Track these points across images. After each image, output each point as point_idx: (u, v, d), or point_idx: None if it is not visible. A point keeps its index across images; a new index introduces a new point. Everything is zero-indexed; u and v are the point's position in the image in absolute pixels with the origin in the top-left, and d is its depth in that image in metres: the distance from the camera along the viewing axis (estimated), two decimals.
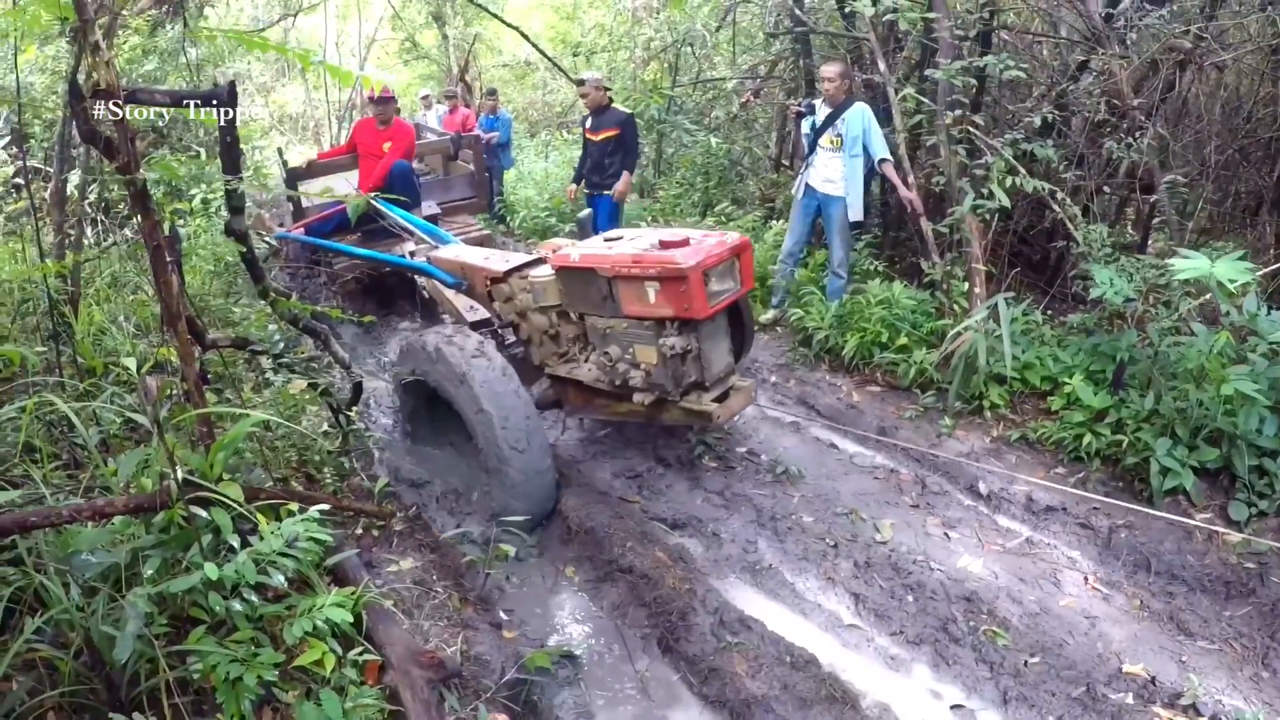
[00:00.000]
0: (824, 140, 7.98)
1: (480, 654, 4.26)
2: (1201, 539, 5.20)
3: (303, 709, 3.24)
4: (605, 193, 9.51)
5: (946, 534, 5.42)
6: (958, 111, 7.15)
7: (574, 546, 5.33)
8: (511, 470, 5.00)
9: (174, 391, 4.17)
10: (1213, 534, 5.20)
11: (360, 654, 3.60)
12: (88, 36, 3.14)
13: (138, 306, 6.47)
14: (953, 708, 4.14)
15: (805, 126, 8.26)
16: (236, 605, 3.31)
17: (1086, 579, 4.99)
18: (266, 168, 13.11)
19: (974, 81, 7.97)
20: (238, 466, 4.48)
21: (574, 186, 10.33)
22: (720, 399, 5.35)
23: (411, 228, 7.99)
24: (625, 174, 9.40)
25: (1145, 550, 5.15)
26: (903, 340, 7.41)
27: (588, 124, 9.65)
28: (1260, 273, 5.81)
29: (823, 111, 8.02)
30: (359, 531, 5.00)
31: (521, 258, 6.15)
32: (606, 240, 5.33)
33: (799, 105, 8.29)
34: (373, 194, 7.98)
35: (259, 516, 3.55)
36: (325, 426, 5.87)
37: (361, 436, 5.91)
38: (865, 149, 7.81)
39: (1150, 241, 8.01)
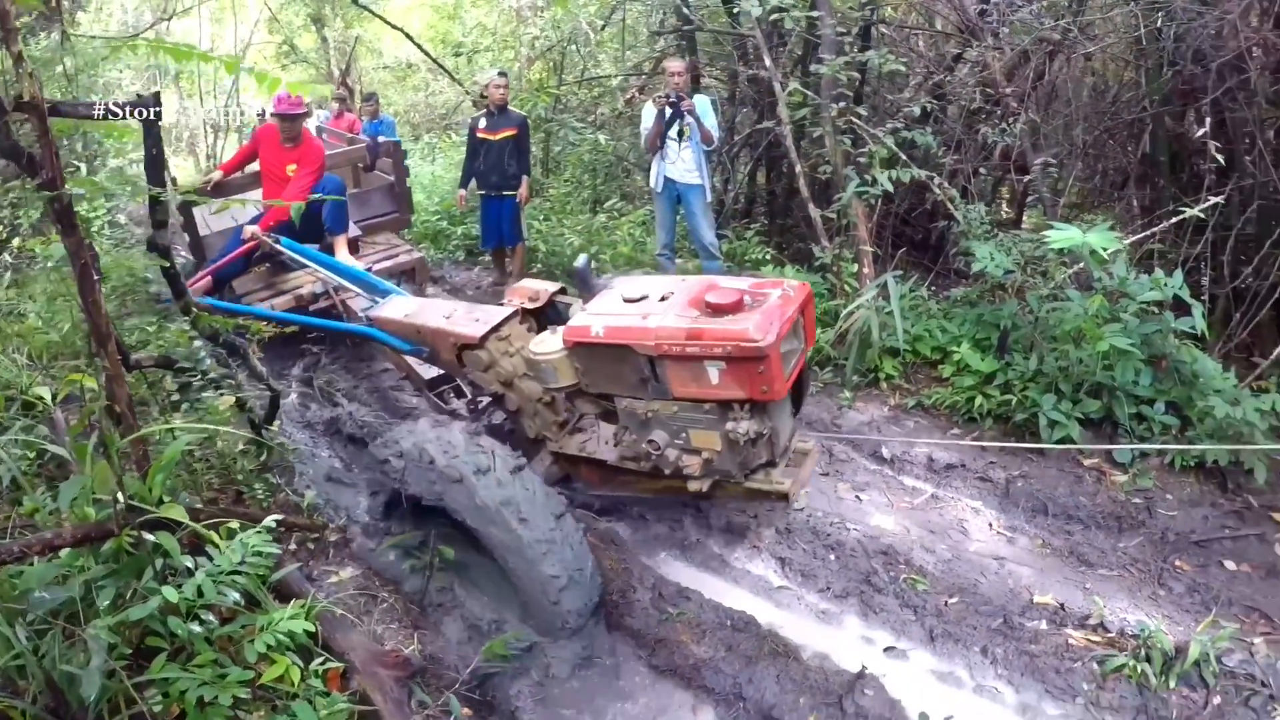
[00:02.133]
0: (672, 132, 8.35)
1: (436, 651, 4.38)
2: (1091, 482, 5.72)
3: None
4: (506, 194, 9.39)
5: (858, 496, 5.78)
6: (842, 103, 7.58)
7: None
8: (555, 591, 4.17)
9: (95, 417, 3.85)
10: (1101, 476, 5.73)
11: (322, 664, 3.58)
12: (10, 46, 2.97)
13: (28, 334, 5.99)
14: (885, 650, 4.49)
15: (649, 119, 8.55)
16: (196, 628, 3.28)
17: (991, 525, 5.43)
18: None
19: (856, 75, 8.42)
20: (174, 489, 4.28)
21: (463, 191, 9.94)
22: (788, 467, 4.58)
23: (337, 278, 6.78)
24: (525, 178, 9.40)
25: (1041, 496, 5.63)
26: None
27: (482, 124, 9.44)
28: (1128, 241, 6.35)
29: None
30: (294, 547, 4.96)
31: (492, 314, 5.12)
32: (628, 301, 4.23)
33: (667, 98, 8.35)
34: (272, 228, 7.23)
35: (213, 535, 3.50)
36: (240, 445, 5.48)
37: (284, 451, 5.69)
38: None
39: (1024, 218, 8.60)
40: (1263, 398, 5.79)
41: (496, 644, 4.22)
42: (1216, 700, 4.11)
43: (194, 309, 4.83)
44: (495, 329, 4.98)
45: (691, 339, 3.84)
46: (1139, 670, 4.21)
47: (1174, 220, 6.64)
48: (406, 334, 5.45)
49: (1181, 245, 6.96)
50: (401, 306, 5.65)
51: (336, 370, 7.70)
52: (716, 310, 3.89)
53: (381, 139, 10.58)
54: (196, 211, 7.82)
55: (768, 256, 8.97)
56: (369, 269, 7.46)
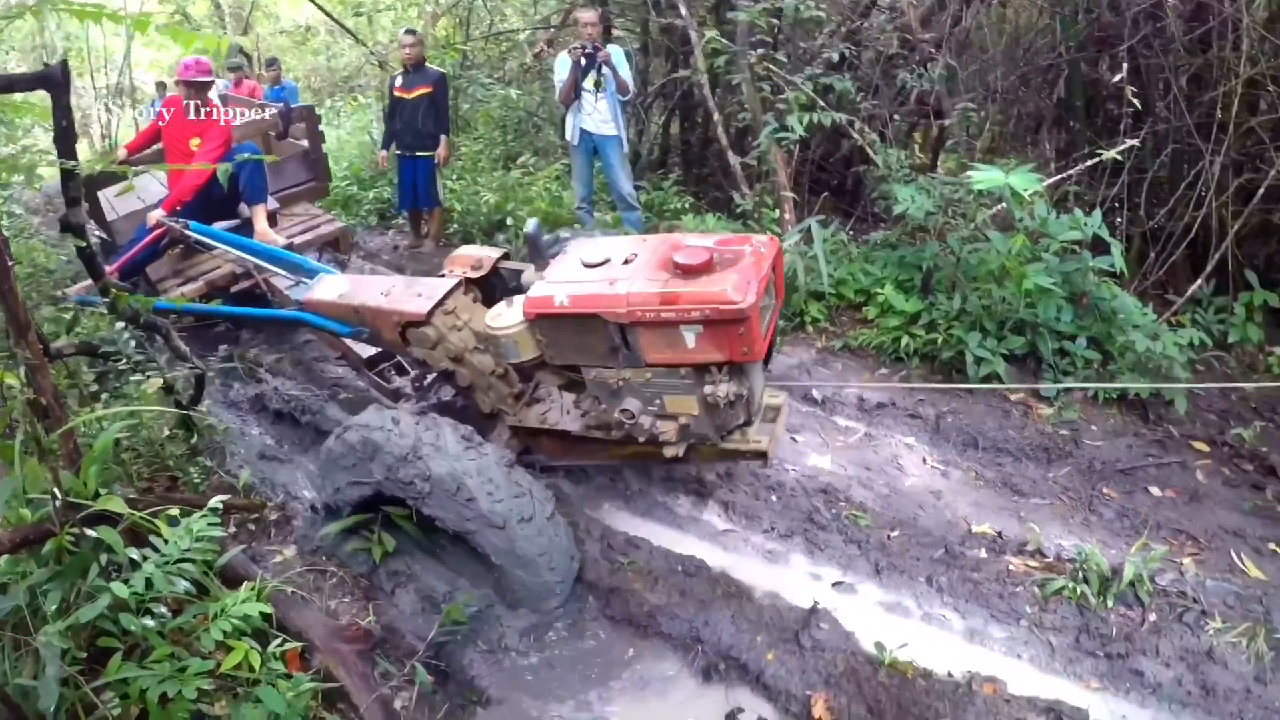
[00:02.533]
0: (588, 83, 8.31)
1: (391, 621, 4.33)
2: (1019, 415, 5.90)
3: (242, 712, 3.15)
4: (421, 154, 9.29)
5: (793, 438, 5.84)
6: (760, 50, 7.61)
7: None
8: (536, 571, 4.16)
9: (17, 414, 3.60)
10: (1028, 410, 5.90)
11: (280, 645, 3.50)
12: None
13: None
14: (834, 585, 4.57)
15: (563, 71, 8.50)
16: (149, 622, 3.17)
17: (925, 460, 5.54)
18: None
19: (775, 21, 8.44)
20: (108, 480, 4.08)
21: (384, 152, 9.79)
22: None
23: (256, 260, 6.22)
24: (444, 137, 9.29)
25: (971, 430, 5.77)
26: None
27: (398, 82, 9.34)
28: (1046, 182, 6.49)
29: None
30: (234, 529, 4.84)
31: (435, 287, 4.76)
32: (589, 266, 4.01)
33: (582, 49, 8.27)
34: (179, 210, 6.67)
35: (159, 523, 3.39)
36: (168, 430, 5.29)
37: (214, 432, 5.56)
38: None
39: (939, 162, 8.72)
40: (1180, 332, 6.02)
41: (454, 608, 4.18)
42: (1152, 617, 4.27)
43: (113, 290, 4.65)
44: (440, 303, 4.62)
45: (666, 304, 3.64)
46: (1078, 592, 4.36)
47: (1090, 163, 6.82)
48: (343, 316, 5.06)
49: (1098, 188, 7.17)
50: (334, 286, 5.22)
51: (258, 345, 7.40)
52: (687, 272, 3.70)
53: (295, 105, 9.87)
54: (101, 195, 7.34)
55: (686, 206, 9.00)
56: (289, 242, 7.19)
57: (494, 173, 11.13)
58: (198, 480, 4.91)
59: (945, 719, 3.75)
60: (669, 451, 4.17)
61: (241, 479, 5.07)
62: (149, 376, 5.04)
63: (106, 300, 4.74)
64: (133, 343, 5.02)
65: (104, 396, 5.12)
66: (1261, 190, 6.51)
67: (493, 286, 4.96)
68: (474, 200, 10.16)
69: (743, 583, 4.54)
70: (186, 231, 6.39)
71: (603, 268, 3.97)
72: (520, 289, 4.60)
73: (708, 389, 3.89)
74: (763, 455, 4.34)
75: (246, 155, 6.87)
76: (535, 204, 9.73)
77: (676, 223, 8.51)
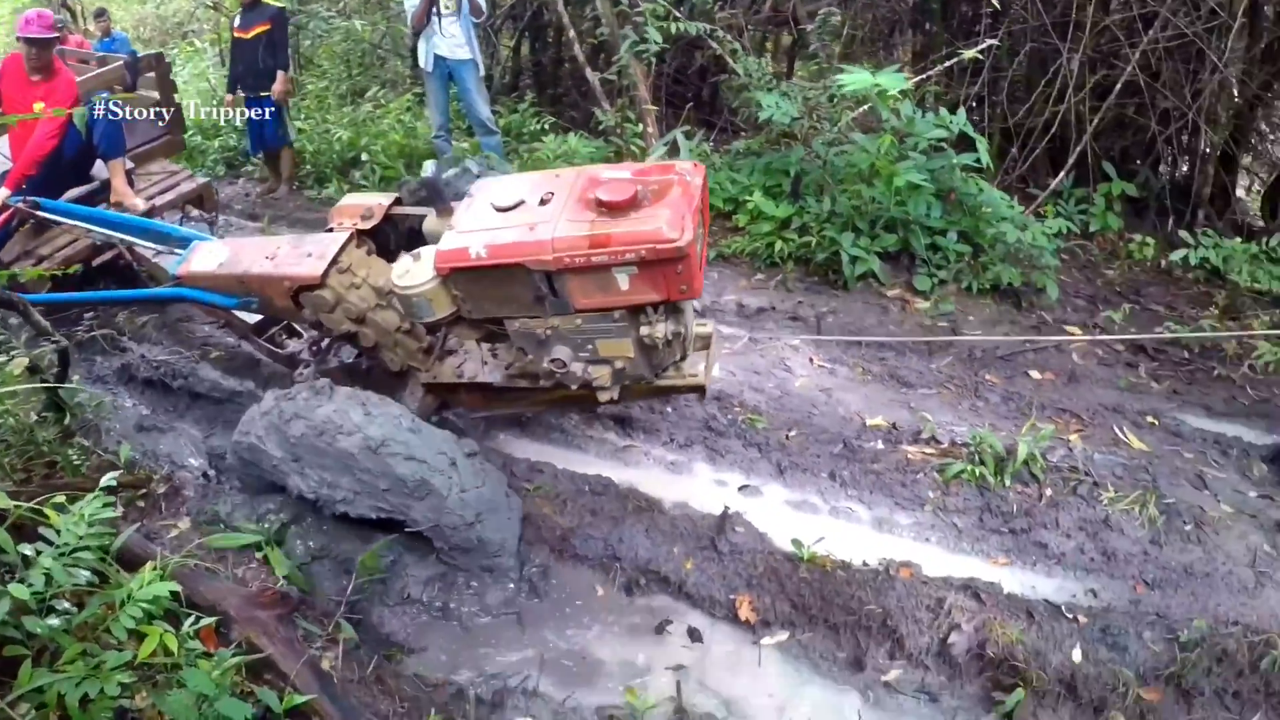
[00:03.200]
0: (442, 5, 8.02)
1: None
2: (897, 310, 5.99)
3: (168, 701, 2.96)
4: (265, 94, 8.83)
5: None
6: None
7: None
8: (481, 543, 4.04)
9: None
10: (905, 305, 5.99)
11: (195, 623, 3.28)
12: None
13: None
14: (740, 489, 4.59)
15: None
16: (54, 622, 2.92)
17: (811, 360, 5.57)
18: None
19: None
20: None
21: (230, 95, 9.19)
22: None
23: (120, 234, 5.51)
24: (281, 73, 8.82)
25: (852, 328, 5.82)
26: None
27: (236, 22, 8.91)
28: (909, 83, 6.54)
29: None
30: (122, 510, 4.18)
31: (324, 244, 4.31)
32: (502, 210, 3.67)
33: None
34: (22, 184, 6.06)
35: (48, 512, 3.14)
36: (35, 415, 4.82)
37: (85, 409, 5.11)
38: None
39: (795, 69, 8.71)
40: (1048, 222, 6.19)
41: (368, 557, 4.03)
42: (1049, 492, 4.41)
43: None
44: (334, 262, 4.17)
45: (596, 247, 3.35)
46: (977, 474, 4.46)
47: (949, 64, 6.89)
48: (227, 287, 4.58)
49: (958, 88, 7.29)
50: (212, 255, 4.67)
51: (116, 314, 6.83)
52: (613, 209, 3.39)
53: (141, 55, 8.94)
54: None
55: (545, 127, 8.82)
56: (151, 204, 6.61)
57: (343, 109, 10.74)
58: (77, 462, 4.50)
59: (869, 606, 3.81)
60: (604, 396, 3.95)
61: (122, 454, 4.65)
62: (12, 356, 4.58)
63: None
64: None
65: None
66: (1118, 86, 6.69)
67: (386, 235, 4.60)
68: (325, 139, 9.78)
69: (651, 496, 4.51)
70: (37, 211, 5.75)
71: (517, 211, 3.63)
72: (419, 237, 4.35)
73: (644, 330, 3.65)
74: (700, 389, 4.17)
75: (103, 99, 6.31)
76: (389, 137, 9.41)
77: (537, 144, 8.33)
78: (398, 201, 4.59)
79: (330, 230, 4.45)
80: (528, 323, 3.76)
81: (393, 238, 4.61)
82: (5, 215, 5.82)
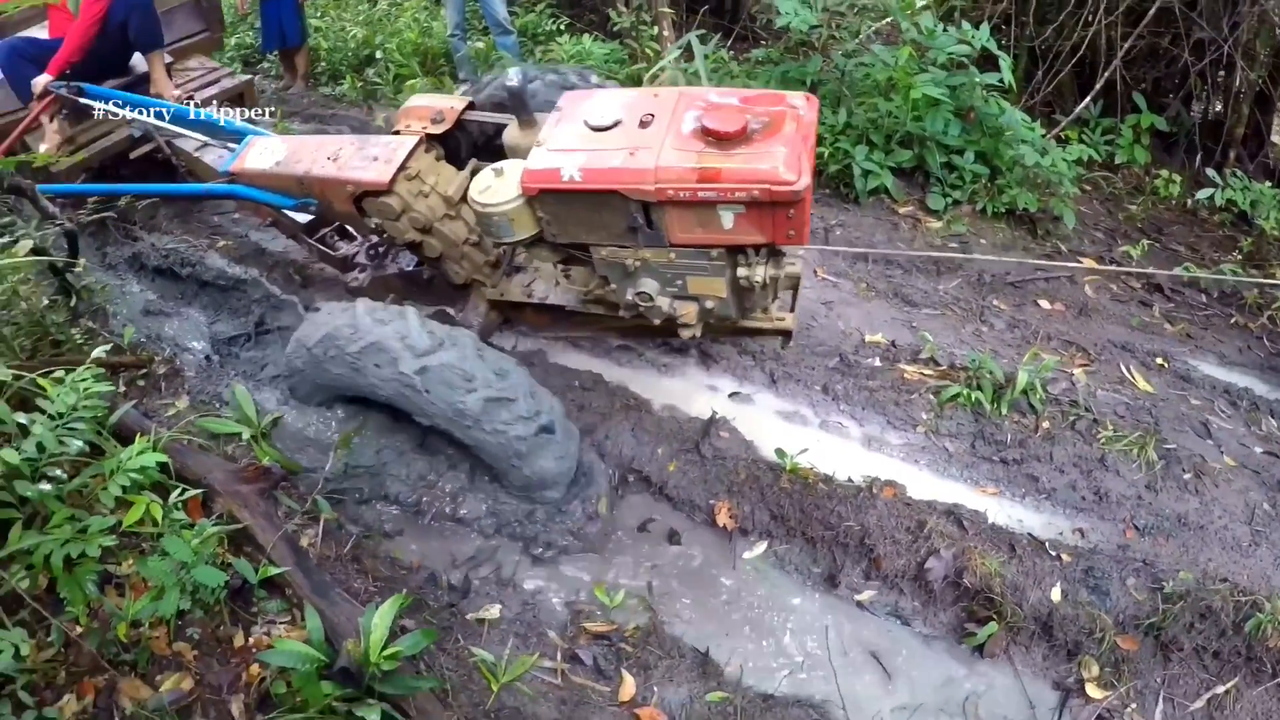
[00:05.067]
0: None
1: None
2: (908, 228, 5.77)
3: (148, 565, 3.03)
4: None
5: None
6: None
7: None
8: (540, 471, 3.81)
9: None
10: (916, 223, 5.78)
11: (180, 495, 3.34)
12: None
13: None
14: (731, 395, 4.45)
15: None
16: (45, 487, 2.97)
17: (815, 272, 5.38)
18: None
19: None
20: None
21: None
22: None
23: (168, 125, 5.24)
24: None
25: (860, 242, 5.62)
26: None
27: None
28: None
29: None
30: (123, 388, 4.44)
31: (392, 147, 4.00)
32: (597, 130, 3.36)
33: None
34: (65, 69, 5.71)
35: (43, 383, 3.19)
36: (45, 300, 4.75)
37: (92, 292, 5.02)
38: None
39: None
40: (1069, 148, 5.96)
41: (344, 436, 4.04)
42: (1045, 425, 4.27)
43: None
44: (402, 167, 3.90)
45: (705, 181, 3.05)
46: (973, 399, 4.32)
47: None
48: (284, 187, 4.30)
49: (984, 4, 6.97)
50: (267, 151, 4.37)
51: (130, 202, 6.73)
52: (722, 139, 3.08)
53: None
54: None
55: (562, 27, 8.57)
56: (190, 99, 6.19)
57: (358, 7, 10.46)
58: (81, 342, 4.47)
59: (848, 522, 3.71)
60: (686, 333, 3.69)
61: (126, 336, 4.66)
62: (19, 238, 4.47)
63: None
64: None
65: None
66: (1151, 12, 6.39)
67: (457, 141, 4.31)
68: (340, 36, 9.56)
69: (640, 395, 4.40)
70: (81, 98, 5.54)
71: (615, 132, 3.31)
72: (491, 144, 4.14)
73: (741, 271, 3.38)
74: (787, 333, 3.91)
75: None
76: (404, 35, 9.18)
77: (553, 45, 8.08)
78: (470, 106, 4.29)
79: (397, 133, 4.18)
80: (616, 251, 3.49)
81: (463, 143, 4.33)
82: (47, 101, 5.67)
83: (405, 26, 9.55)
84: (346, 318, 3.73)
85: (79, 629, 2.95)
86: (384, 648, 2.92)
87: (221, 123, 5.12)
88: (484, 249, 4.19)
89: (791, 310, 3.86)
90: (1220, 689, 3.31)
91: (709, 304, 3.56)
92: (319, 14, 10.24)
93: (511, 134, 3.85)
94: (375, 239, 4.66)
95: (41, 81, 5.66)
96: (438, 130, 4.14)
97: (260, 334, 5.03)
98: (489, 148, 4.20)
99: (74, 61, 5.74)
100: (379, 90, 8.53)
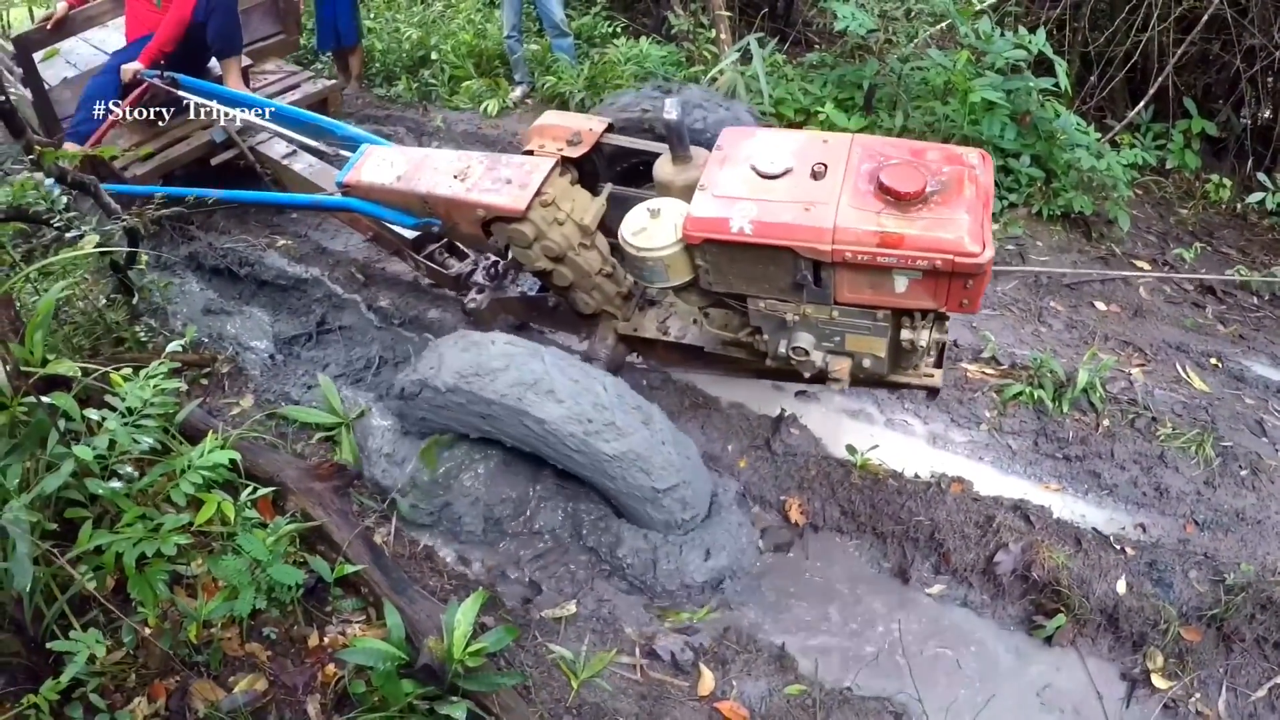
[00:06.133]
0: None
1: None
2: None
3: (222, 564, 3.03)
4: None
5: None
6: None
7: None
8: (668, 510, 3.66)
9: None
10: None
11: (252, 493, 3.35)
12: None
13: None
14: (797, 394, 4.58)
15: None
16: (116, 485, 3.00)
17: None
18: None
19: None
20: (53, 350, 3.73)
21: None
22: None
23: (272, 125, 5.12)
24: None
25: None
26: None
27: None
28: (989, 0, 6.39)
29: None
30: (186, 386, 4.34)
31: (527, 170, 3.76)
32: (766, 177, 3.18)
33: None
34: (159, 58, 5.59)
35: (115, 377, 3.23)
36: (104, 298, 4.82)
37: (152, 290, 5.07)
38: None
39: None
40: (1124, 152, 6.07)
41: (430, 446, 3.92)
42: (1106, 423, 4.37)
43: (36, 148, 4.12)
44: (537, 193, 3.66)
45: (887, 247, 2.92)
46: (1035, 397, 4.44)
47: None
48: (404, 204, 4.06)
49: (1040, 10, 7.08)
50: (386, 165, 4.12)
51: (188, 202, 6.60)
52: (901, 200, 2.95)
53: None
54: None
55: (619, 30, 8.68)
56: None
57: (413, 8, 10.46)
58: (145, 340, 4.55)
59: (918, 517, 3.82)
60: (836, 387, 3.54)
61: (188, 334, 4.64)
62: (83, 235, 4.28)
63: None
64: (64, 200, 4.40)
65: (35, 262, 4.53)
66: (1204, 19, 6.48)
67: (591, 163, 4.15)
68: (394, 38, 9.56)
69: (707, 394, 4.54)
70: (176, 89, 5.38)
71: (786, 181, 3.16)
72: (626, 167, 4.15)
73: (905, 334, 3.26)
74: (935, 390, 3.78)
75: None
76: (459, 37, 9.24)
77: (609, 48, 8.18)
78: (610, 128, 4.14)
79: (529, 152, 4.00)
80: (775, 305, 3.36)
81: (598, 166, 4.22)
82: (140, 90, 5.53)
83: (460, 28, 9.59)
84: (532, 367, 3.47)
85: (147, 630, 2.94)
86: (467, 645, 2.93)
87: (333, 126, 4.90)
88: (617, 280, 4.04)
89: (938, 366, 3.70)
90: None
91: (866, 362, 3.41)
92: (371, 15, 10.24)
93: (664, 169, 3.72)
94: (493, 261, 4.48)
95: (132, 69, 5.51)
96: (574, 154, 3.96)
97: (322, 333, 5.11)
98: (624, 170, 4.18)
99: (167, 52, 5.58)
100: (434, 91, 8.61)
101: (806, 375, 3.51)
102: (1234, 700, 3.36)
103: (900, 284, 3.04)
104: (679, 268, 3.40)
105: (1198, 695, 3.36)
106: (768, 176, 3.16)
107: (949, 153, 3.16)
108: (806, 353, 3.36)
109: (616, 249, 3.68)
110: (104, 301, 4.75)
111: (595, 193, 3.97)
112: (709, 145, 3.51)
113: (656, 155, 3.83)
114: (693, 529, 3.69)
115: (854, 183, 3.06)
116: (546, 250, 3.73)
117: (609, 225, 3.84)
